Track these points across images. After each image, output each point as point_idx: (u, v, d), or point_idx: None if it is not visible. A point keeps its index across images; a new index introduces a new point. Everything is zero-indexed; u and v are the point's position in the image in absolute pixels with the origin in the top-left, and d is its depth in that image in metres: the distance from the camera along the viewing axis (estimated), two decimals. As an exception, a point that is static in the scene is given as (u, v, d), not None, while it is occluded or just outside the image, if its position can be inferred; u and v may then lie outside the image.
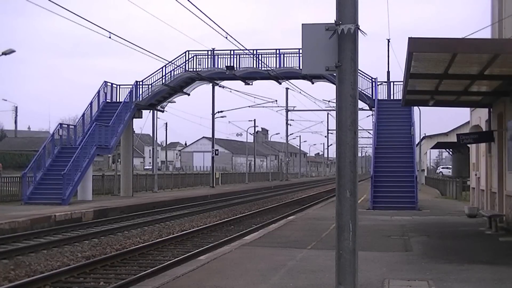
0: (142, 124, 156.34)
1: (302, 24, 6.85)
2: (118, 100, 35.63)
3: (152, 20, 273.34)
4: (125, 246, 16.43)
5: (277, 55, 34.35)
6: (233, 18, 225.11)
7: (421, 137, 54.09)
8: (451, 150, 69.73)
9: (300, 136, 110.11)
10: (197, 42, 76.11)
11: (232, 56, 34.64)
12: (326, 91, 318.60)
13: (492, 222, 16.59)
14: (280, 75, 34.50)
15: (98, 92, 34.91)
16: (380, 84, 33.90)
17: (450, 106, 20.23)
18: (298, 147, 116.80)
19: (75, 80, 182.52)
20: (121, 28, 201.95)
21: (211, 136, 57.39)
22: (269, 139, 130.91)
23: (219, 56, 35.12)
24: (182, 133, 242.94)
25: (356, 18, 6.65)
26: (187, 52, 35.39)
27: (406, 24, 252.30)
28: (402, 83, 19.50)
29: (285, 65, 34.14)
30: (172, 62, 35.13)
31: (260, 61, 34.12)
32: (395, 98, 33.05)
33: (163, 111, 39.32)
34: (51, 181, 28.17)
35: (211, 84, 40.99)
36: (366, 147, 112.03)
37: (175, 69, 35.36)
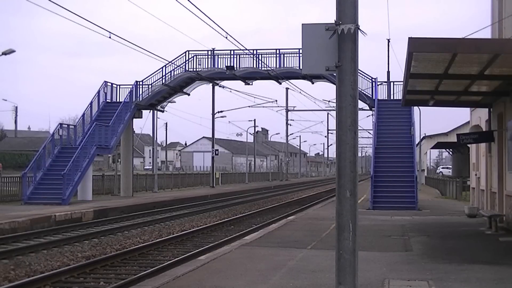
0: (142, 124, 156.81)
1: (302, 24, 6.86)
2: (118, 100, 35.63)
3: (154, 21, 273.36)
4: (125, 246, 16.43)
5: (277, 55, 34.35)
6: (237, 18, 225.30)
7: (421, 137, 54.12)
8: (451, 150, 69.74)
9: (300, 136, 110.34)
10: (198, 43, 76.33)
11: (232, 56, 34.63)
12: (326, 91, 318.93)
13: (492, 222, 16.59)
14: (280, 75, 34.49)
15: (98, 92, 34.91)
16: (380, 84, 33.90)
17: (450, 106, 20.23)
18: (298, 147, 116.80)
19: (75, 80, 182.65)
20: (122, 29, 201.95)
21: (211, 136, 57.38)
22: (269, 139, 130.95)
23: (219, 56, 35.12)
24: (182, 133, 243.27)
25: (356, 18, 6.65)
26: (187, 52, 35.40)
27: (409, 25, 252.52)
28: (402, 83, 19.50)
29: (285, 65, 34.14)
30: (172, 62, 35.15)
31: (260, 61, 34.12)
32: (395, 98, 33.05)
33: (163, 111, 39.34)
34: (51, 181, 28.17)
35: (211, 84, 41.00)
36: (366, 147, 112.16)
37: (175, 69, 35.37)
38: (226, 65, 34.71)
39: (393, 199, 25.53)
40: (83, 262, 13.41)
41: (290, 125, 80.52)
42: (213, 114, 54.34)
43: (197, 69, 35.33)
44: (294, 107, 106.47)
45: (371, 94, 33.47)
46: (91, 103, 34.23)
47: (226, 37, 20.78)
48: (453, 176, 56.22)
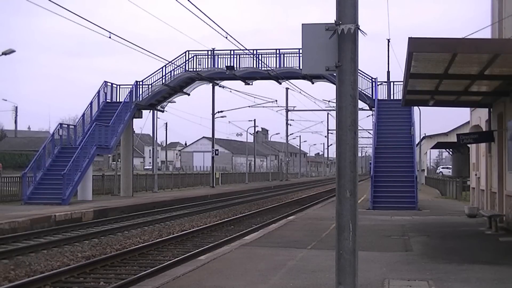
0: (142, 124, 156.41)
1: (302, 24, 6.85)
2: (118, 100, 35.64)
3: (154, 21, 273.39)
4: (125, 246, 16.43)
5: (277, 55, 34.36)
6: (237, 18, 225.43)
7: (421, 137, 54.12)
8: (451, 150, 69.74)
9: (300, 136, 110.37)
10: (198, 43, 76.32)
11: (232, 56, 34.64)
12: (326, 91, 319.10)
13: (492, 222, 16.59)
14: (280, 75, 34.50)
15: (98, 92, 34.92)
16: (380, 84, 33.91)
17: (450, 106, 20.23)
18: (298, 147, 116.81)
19: (75, 80, 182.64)
20: (122, 29, 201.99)
21: (211, 136, 57.39)
22: (269, 139, 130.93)
23: (219, 56, 35.14)
24: (182, 133, 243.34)
25: (356, 18, 6.64)
26: (187, 52, 35.41)
27: (409, 25, 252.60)
28: (402, 83, 19.50)
29: (285, 65, 34.15)
30: (172, 62, 35.16)
31: (260, 61, 34.12)
32: (395, 98, 33.06)
33: (163, 111, 39.35)
34: (51, 181, 28.16)
35: (211, 84, 41.00)
36: (366, 147, 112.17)
37: (175, 69, 35.38)
38: (226, 65, 34.72)
39: (393, 199, 25.54)
40: (83, 262, 13.41)
41: (290, 125, 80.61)
42: (213, 114, 54.36)
43: (197, 69, 35.34)
44: (294, 107, 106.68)
45: (371, 94, 33.47)
46: (91, 103, 34.24)
47: (226, 37, 20.80)
48: (453, 176, 56.22)
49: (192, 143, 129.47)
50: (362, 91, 32.18)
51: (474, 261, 11.44)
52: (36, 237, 17.85)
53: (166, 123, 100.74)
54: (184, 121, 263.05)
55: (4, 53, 30.38)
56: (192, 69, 35.25)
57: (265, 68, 34.13)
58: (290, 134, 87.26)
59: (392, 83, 34.33)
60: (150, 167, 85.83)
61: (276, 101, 62.72)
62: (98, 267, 12.94)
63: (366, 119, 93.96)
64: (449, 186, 38.46)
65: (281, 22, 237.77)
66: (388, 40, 44.81)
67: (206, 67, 35.39)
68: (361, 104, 33.11)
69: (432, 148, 62.96)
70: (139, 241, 17.70)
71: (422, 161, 55.56)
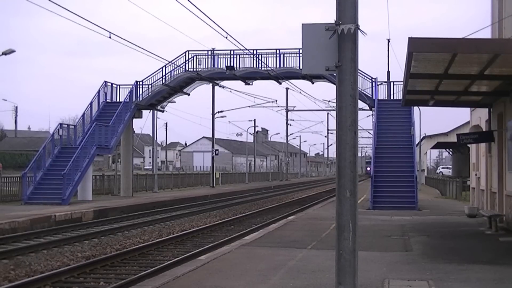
0: (142, 124, 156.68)
1: (302, 24, 6.86)
2: (118, 100, 35.64)
3: (154, 21, 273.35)
4: (125, 246, 16.43)
5: (277, 55, 34.36)
6: (237, 18, 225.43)
7: (421, 137, 54.14)
8: (451, 150, 69.74)
9: (300, 136, 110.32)
10: (198, 43, 76.32)
11: (232, 56, 34.64)
12: (326, 91, 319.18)
13: (492, 222, 16.60)
14: (280, 75, 34.49)
15: (98, 92, 34.92)
16: (380, 84, 33.91)
17: (450, 106, 20.23)
18: (298, 147, 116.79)
19: (75, 80, 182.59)
20: (122, 29, 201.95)
21: (211, 136, 57.39)
22: (269, 139, 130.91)
23: (219, 56, 35.14)
24: (182, 133, 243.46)
25: (356, 18, 6.64)
26: (187, 52, 35.41)
27: (409, 25, 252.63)
28: (402, 83, 19.51)
29: (285, 65, 34.15)
30: (172, 62, 35.16)
31: (260, 61, 34.12)
32: (395, 98, 33.06)
33: (163, 111, 39.35)
34: (51, 181, 28.16)
35: (211, 84, 41.00)
36: (366, 147, 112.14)
37: (175, 69, 35.38)
38: (226, 65, 34.72)
39: (393, 199, 25.54)
40: (83, 262, 13.41)
41: (290, 125, 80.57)
42: (213, 114, 54.36)
43: (197, 69, 35.34)
44: (294, 107, 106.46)
45: (371, 94, 33.47)
46: (91, 103, 34.24)
47: (226, 37, 20.80)
48: (453, 176, 56.21)
49: (192, 143, 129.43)
50: (362, 91, 32.18)
51: (474, 261, 11.44)
52: (36, 237, 17.85)
53: (166, 123, 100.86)
54: (184, 121, 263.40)
55: (4, 53, 30.37)
56: (192, 69, 35.25)
57: (265, 68, 34.13)
58: (290, 134, 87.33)
59: (392, 83, 34.32)
60: (150, 167, 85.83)
61: (276, 101, 62.81)
62: (98, 267, 12.94)
63: (366, 119, 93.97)
64: (449, 186, 38.45)
65: (281, 22, 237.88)
66: (388, 40, 44.89)
67: (206, 67, 35.39)
68: (361, 104, 33.12)
69: (432, 148, 62.97)
70: (139, 241, 17.70)
71: (422, 161, 55.56)
